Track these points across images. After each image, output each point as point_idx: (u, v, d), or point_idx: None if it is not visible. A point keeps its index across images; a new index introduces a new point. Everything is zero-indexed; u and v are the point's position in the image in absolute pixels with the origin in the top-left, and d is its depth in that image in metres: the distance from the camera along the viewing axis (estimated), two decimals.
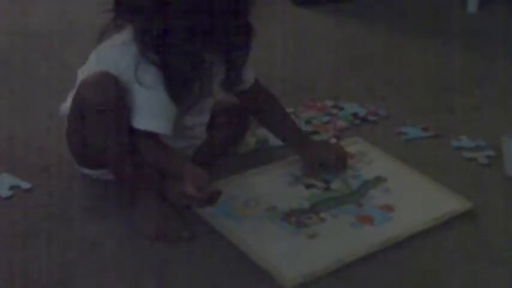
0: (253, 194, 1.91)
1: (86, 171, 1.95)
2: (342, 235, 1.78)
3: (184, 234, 1.76)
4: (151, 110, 1.75)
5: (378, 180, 1.99)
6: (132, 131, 1.76)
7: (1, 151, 2.10)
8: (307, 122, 2.30)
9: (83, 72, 1.87)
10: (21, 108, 2.36)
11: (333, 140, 2.21)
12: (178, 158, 1.84)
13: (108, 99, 1.71)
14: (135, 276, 1.65)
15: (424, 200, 1.92)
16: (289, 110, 2.31)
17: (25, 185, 1.93)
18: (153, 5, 1.68)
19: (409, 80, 2.70)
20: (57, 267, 1.66)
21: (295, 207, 1.86)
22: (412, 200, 1.91)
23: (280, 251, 1.71)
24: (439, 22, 3.31)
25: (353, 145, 2.14)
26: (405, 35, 3.15)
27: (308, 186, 1.95)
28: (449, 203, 1.89)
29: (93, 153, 1.82)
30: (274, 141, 2.18)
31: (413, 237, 1.77)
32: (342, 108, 2.40)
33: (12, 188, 1.92)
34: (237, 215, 1.83)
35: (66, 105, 1.89)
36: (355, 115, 2.37)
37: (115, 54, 1.76)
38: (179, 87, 1.75)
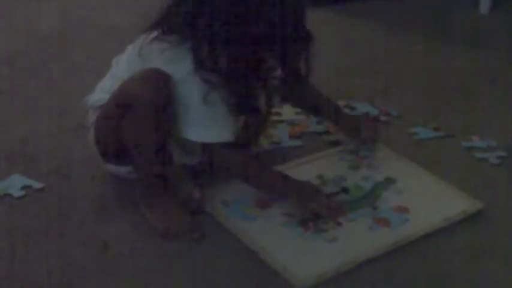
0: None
1: (111, 167, 1.94)
2: (360, 238, 1.77)
3: (195, 235, 1.76)
4: (213, 123, 1.77)
5: (388, 181, 1.99)
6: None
7: (13, 152, 2.11)
8: (319, 122, 2.30)
9: (118, 64, 1.89)
10: (32, 110, 2.36)
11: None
12: (276, 174, 1.89)
13: (159, 96, 1.71)
14: (146, 276, 1.65)
15: (435, 200, 1.91)
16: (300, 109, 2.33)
17: (37, 185, 1.94)
18: (208, 24, 1.68)
19: (420, 80, 2.70)
20: (68, 267, 1.66)
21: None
22: (424, 201, 1.91)
23: (293, 252, 1.71)
24: (450, 23, 3.31)
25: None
26: (416, 35, 3.14)
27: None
28: (460, 204, 1.89)
29: (123, 148, 1.80)
30: (287, 142, 2.19)
31: (424, 237, 1.77)
32: (353, 108, 2.40)
33: (24, 188, 1.92)
34: (250, 215, 1.83)
35: (94, 98, 1.90)
36: (367, 115, 2.37)
37: (170, 71, 1.74)
38: (239, 102, 1.76)
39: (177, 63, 1.73)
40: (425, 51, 2.98)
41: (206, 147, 1.82)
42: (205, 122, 1.77)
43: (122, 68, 1.86)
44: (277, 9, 1.67)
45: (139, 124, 1.74)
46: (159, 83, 1.72)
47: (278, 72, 1.82)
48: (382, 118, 2.36)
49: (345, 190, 1.95)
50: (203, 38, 1.69)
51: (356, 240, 1.77)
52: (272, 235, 1.77)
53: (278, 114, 2.31)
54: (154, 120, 1.73)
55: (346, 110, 2.31)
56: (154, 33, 1.77)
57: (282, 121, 2.30)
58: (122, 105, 1.75)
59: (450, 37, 3.13)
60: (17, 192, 1.90)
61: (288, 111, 2.34)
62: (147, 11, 1.78)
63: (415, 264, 1.71)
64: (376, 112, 2.39)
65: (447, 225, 1.81)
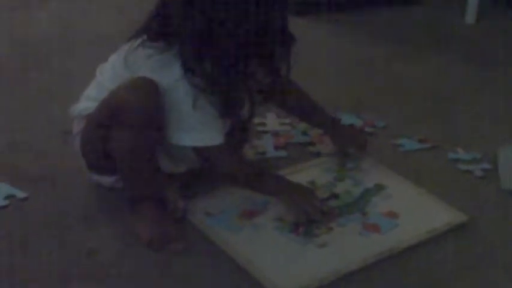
0: (260, 203, 1.90)
1: (96, 177, 1.94)
2: (350, 244, 1.78)
3: (179, 244, 1.76)
4: (204, 127, 1.77)
5: (378, 187, 2.00)
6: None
7: None
8: (304, 133, 2.30)
9: (102, 73, 1.88)
10: (19, 117, 2.36)
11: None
12: (270, 174, 1.93)
13: (149, 104, 1.71)
14: (132, 285, 1.65)
15: (420, 212, 1.92)
16: (285, 120, 2.33)
17: (21, 194, 1.93)
18: (197, 30, 1.68)
19: (406, 90, 2.70)
20: (54, 276, 1.66)
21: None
22: (412, 210, 1.92)
23: (280, 261, 1.71)
24: (437, 32, 3.32)
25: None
26: (403, 45, 3.15)
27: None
28: (444, 216, 1.89)
29: (109, 158, 1.80)
30: (271, 152, 2.19)
31: (408, 249, 1.77)
32: (339, 119, 2.40)
33: (8, 197, 1.91)
34: (235, 226, 1.83)
35: (80, 106, 1.89)
36: (352, 126, 2.37)
37: (157, 79, 1.73)
38: (227, 105, 1.77)
39: (164, 70, 1.73)
40: (411, 61, 2.99)
41: (200, 151, 1.81)
42: (196, 127, 1.76)
43: (107, 76, 1.86)
44: (262, 11, 1.68)
45: (129, 133, 1.73)
46: (148, 91, 1.71)
47: (260, 75, 1.82)
48: (368, 129, 2.36)
49: (335, 196, 1.96)
50: (190, 43, 1.69)
51: (346, 246, 1.77)
52: (259, 244, 1.77)
53: (263, 124, 2.32)
54: (144, 129, 1.72)
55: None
56: (139, 40, 1.77)
57: (266, 132, 2.30)
58: (110, 114, 1.74)
59: (436, 47, 3.14)
60: (0, 202, 1.89)
61: (272, 122, 2.35)
62: (139, 18, 1.79)
63: (399, 277, 1.70)
64: (361, 123, 2.39)
65: (431, 237, 1.82)
